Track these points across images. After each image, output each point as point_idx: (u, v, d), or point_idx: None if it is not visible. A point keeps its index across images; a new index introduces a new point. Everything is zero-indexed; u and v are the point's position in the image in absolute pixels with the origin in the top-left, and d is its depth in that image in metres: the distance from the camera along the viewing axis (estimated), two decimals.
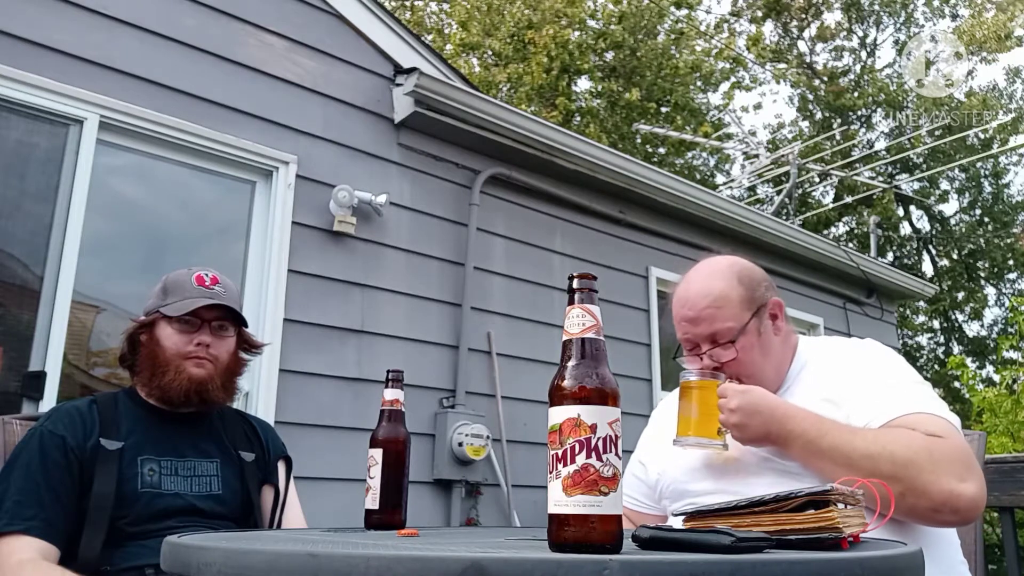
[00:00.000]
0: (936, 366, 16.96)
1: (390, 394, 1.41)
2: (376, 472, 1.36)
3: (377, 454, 1.37)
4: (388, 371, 1.43)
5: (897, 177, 17.06)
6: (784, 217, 10.28)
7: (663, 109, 15.00)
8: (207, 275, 1.71)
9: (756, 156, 12.33)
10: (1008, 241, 17.01)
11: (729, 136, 15.86)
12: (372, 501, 1.35)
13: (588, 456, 0.84)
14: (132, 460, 1.56)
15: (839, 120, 17.19)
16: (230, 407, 1.79)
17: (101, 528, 1.48)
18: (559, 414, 0.87)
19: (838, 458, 1.32)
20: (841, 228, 17.41)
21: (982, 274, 17.84)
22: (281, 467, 1.80)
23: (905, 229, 18.24)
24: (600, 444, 0.84)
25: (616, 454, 0.85)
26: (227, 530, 1.51)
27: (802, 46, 18.77)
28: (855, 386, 1.47)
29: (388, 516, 1.35)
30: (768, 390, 1.55)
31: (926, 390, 1.46)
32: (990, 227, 17.28)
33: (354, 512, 3.62)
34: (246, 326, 1.76)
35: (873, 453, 1.30)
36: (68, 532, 1.47)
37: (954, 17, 18.25)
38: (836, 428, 1.37)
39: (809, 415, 1.38)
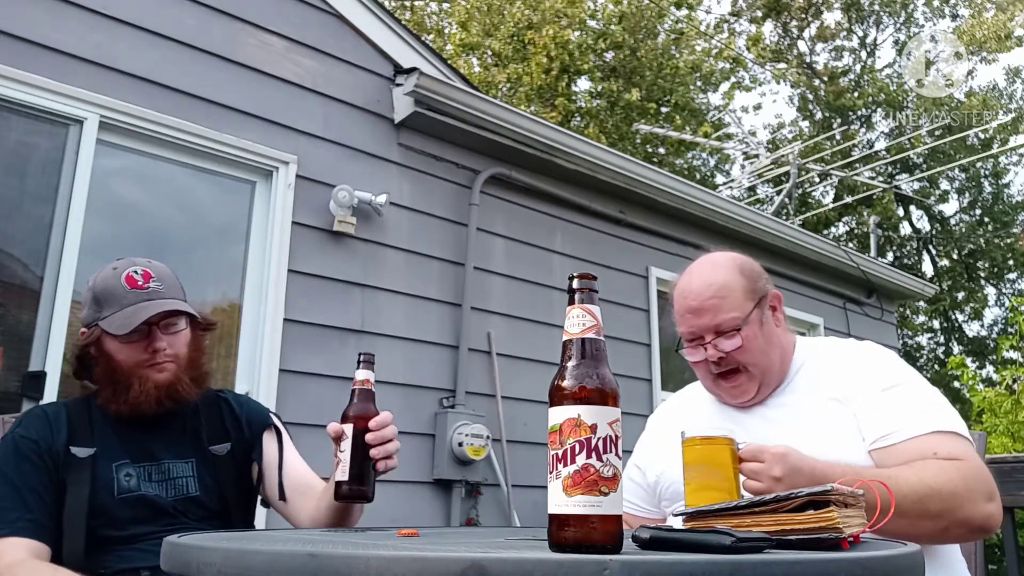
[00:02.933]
0: (936, 366, 16.96)
1: (361, 374, 1.45)
2: (346, 446, 1.39)
3: (348, 429, 1.40)
4: (360, 353, 1.47)
5: (897, 177, 17.06)
6: (784, 217, 10.28)
7: (663, 109, 14.99)
8: (136, 272, 1.57)
9: (756, 156, 12.33)
10: (1008, 241, 17.01)
11: (729, 136, 15.87)
12: (342, 473, 1.39)
13: (588, 456, 0.84)
14: (106, 467, 1.53)
15: (839, 120, 17.20)
16: (207, 393, 1.70)
17: (79, 535, 1.46)
18: (559, 414, 0.87)
19: (885, 508, 1.26)
20: (841, 228, 17.42)
21: (982, 274, 17.84)
22: (268, 437, 1.72)
23: (905, 229, 18.25)
24: (600, 444, 0.84)
25: (616, 454, 0.85)
26: (212, 529, 1.50)
27: (802, 46, 18.79)
28: (863, 389, 1.47)
29: (357, 487, 1.39)
30: (772, 382, 1.56)
31: (935, 398, 1.47)
32: (990, 227, 17.29)
33: None
34: (195, 316, 1.63)
35: (921, 495, 1.29)
36: (55, 531, 1.46)
37: (954, 17, 18.27)
38: (874, 476, 1.33)
39: (846, 469, 1.33)
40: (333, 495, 1.42)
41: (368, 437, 1.41)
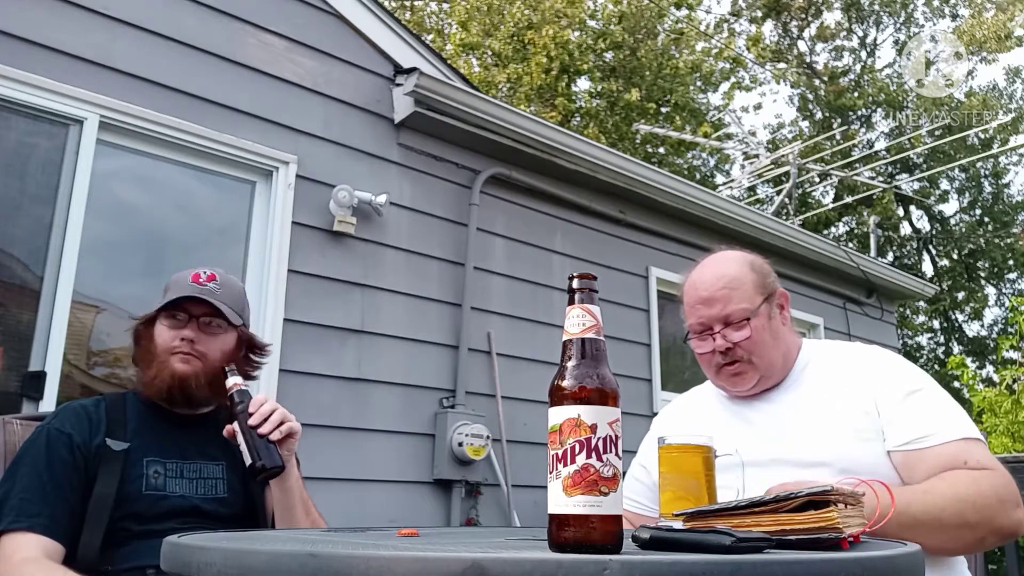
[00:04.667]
0: (936, 366, 16.94)
1: (230, 381, 1.61)
2: (240, 438, 1.54)
3: (236, 424, 1.56)
4: (223, 367, 1.62)
5: (897, 177, 17.06)
6: (784, 217, 10.28)
7: (663, 109, 14.99)
8: (204, 272, 1.69)
9: (756, 156, 12.33)
10: (1008, 241, 17.01)
11: (729, 136, 15.86)
12: (247, 459, 1.52)
13: (588, 456, 0.84)
14: (137, 461, 1.56)
15: (839, 120, 17.19)
16: None
17: (100, 528, 1.48)
18: (559, 414, 0.87)
19: (931, 523, 1.31)
20: (841, 228, 17.41)
21: (982, 274, 17.84)
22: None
23: (905, 229, 18.25)
24: (600, 444, 0.84)
25: (616, 454, 0.85)
26: (228, 531, 1.51)
27: (802, 46, 18.79)
28: (885, 391, 1.49)
29: (262, 463, 1.51)
30: (773, 377, 1.59)
31: (956, 405, 1.50)
32: (990, 227, 17.29)
33: (354, 512, 3.61)
34: (238, 324, 1.69)
35: (960, 508, 1.32)
36: (73, 530, 1.47)
37: (954, 17, 18.27)
38: (912, 493, 1.34)
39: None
40: (252, 477, 1.56)
41: (251, 421, 1.54)
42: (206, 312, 1.64)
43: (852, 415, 1.47)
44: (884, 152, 15.91)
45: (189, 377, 1.60)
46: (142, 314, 1.71)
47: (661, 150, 15.43)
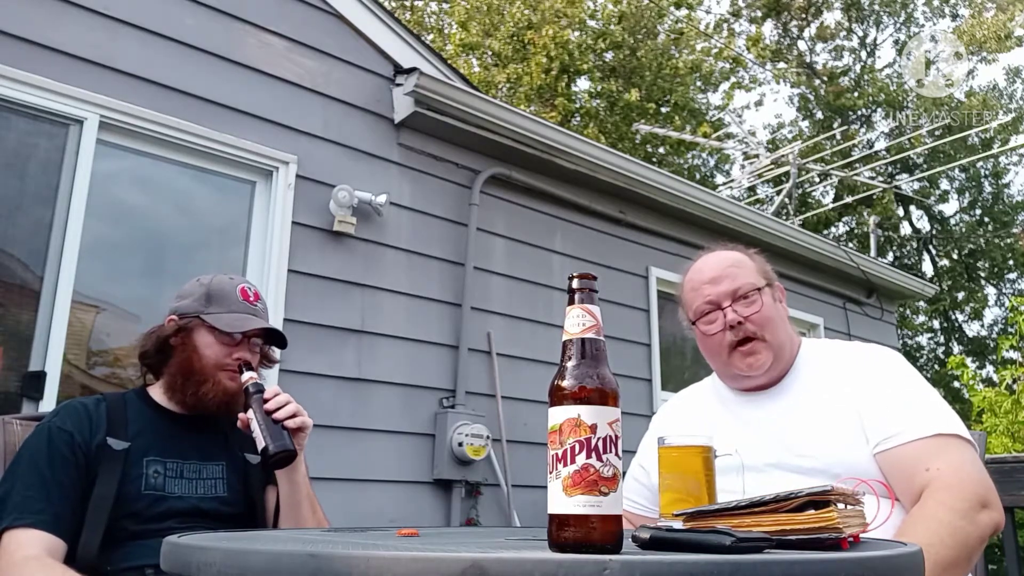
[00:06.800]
0: (936, 366, 16.96)
1: (245, 376, 1.63)
2: (255, 425, 1.56)
3: (250, 412, 1.57)
4: (239, 363, 1.64)
5: (897, 177, 17.06)
6: (784, 217, 10.28)
7: (663, 109, 14.99)
8: (250, 289, 1.73)
9: (756, 156, 12.33)
10: (1008, 241, 17.02)
11: (729, 136, 15.86)
12: (261, 442, 1.53)
13: (588, 456, 0.84)
14: (137, 461, 1.56)
15: (839, 120, 17.19)
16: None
17: (99, 527, 1.48)
18: (559, 414, 0.87)
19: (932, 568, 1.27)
20: (841, 228, 17.42)
21: (982, 274, 17.84)
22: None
23: (905, 229, 18.25)
24: (600, 444, 0.84)
25: (616, 454, 0.85)
26: (228, 530, 1.51)
27: (802, 46, 18.79)
28: (869, 391, 1.48)
29: (277, 446, 1.52)
30: (781, 364, 1.59)
31: (935, 400, 1.48)
32: (990, 227, 17.29)
33: (354, 512, 3.61)
34: (284, 347, 1.77)
35: (932, 557, 1.25)
36: (74, 527, 1.47)
37: (954, 17, 18.28)
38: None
39: None
40: (264, 465, 1.58)
41: (267, 406, 1.57)
42: (257, 334, 1.70)
43: (847, 417, 1.46)
44: (884, 152, 15.91)
45: (236, 394, 1.64)
46: (176, 317, 1.68)
47: (661, 150, 15.43)
